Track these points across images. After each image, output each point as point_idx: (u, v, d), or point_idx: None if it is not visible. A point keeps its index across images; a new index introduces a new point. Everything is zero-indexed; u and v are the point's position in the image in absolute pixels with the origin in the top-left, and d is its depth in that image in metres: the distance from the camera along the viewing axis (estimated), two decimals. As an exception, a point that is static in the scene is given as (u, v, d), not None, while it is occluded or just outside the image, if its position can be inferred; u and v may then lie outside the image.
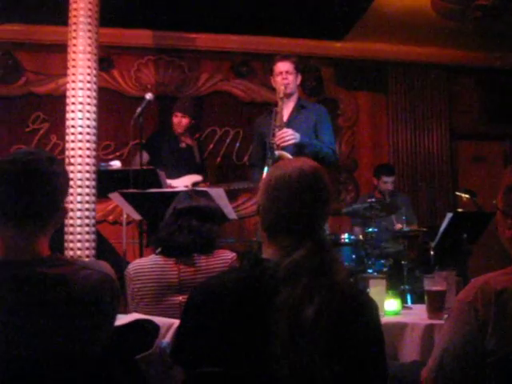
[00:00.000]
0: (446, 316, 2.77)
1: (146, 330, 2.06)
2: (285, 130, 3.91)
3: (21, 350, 1.46)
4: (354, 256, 4.39)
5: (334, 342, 1.41)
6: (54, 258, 1.64)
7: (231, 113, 6.60)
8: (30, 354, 1.47)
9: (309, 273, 1.45)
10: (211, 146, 6.40)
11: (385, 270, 4.51)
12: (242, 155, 6.51)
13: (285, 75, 4.16)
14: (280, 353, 1.39)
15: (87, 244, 4.03)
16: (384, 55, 6.85)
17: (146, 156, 4.73)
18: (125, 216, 4.81)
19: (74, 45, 4.15)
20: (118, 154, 6.21)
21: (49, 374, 1.48)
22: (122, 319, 1.81)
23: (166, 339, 2.22)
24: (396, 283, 4.00)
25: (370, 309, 1.54)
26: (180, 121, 5.32)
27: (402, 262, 4.38)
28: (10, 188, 1.56)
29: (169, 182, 4.57)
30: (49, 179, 1.59)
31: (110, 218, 6.14)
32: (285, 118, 4.07)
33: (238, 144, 6.51)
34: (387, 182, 5.74)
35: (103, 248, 4.43)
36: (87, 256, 3.97)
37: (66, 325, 1.51)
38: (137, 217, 3.97)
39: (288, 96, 4.17)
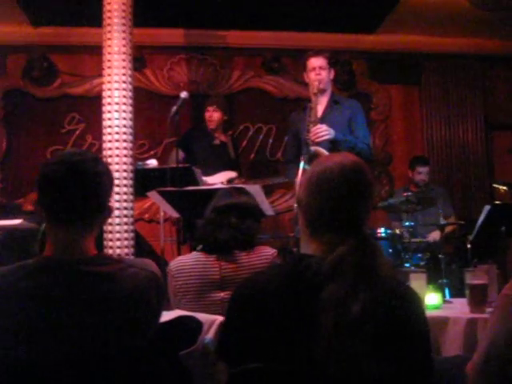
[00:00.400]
0: (488, 310, 2.75)
1: (189, 327, 2.09)
2: (319, 125, 3.91)
3: (70, 347, 1.50)
4: (390, 250, 4.38)
5: (380, 338, 1.41)
6: (101, 256, 1.68)
7: (264, 109, 6.61)
8: (79, 350, 1.50)
9: (353, 268, 1.45)
10: (244, 142, 6.41)
11: (422, 263, 4.49)
12: (276, 151, 6.52)
13: (318, 71, 4.15)
14: (326, 349, 1.39)
15: (126, 242, 4.08)
16: (417, 47, 6.76)
17: (181, 154, 4.76)
18: (162, 214, 4.86)
19: (109, 46, 4.20)
20: (152, 152, 6.27)
21: (97, 369, 1.51)
22: (165, 316, 1.84)
23: (209, 335, 2.24)
24: (433, 277, 3.97)
25: (416, 303, 1.53)
26: (211, 115, 5.33)
27: (440, 256, 4.35)
28: (58, 189, 1.60)
29: (204, 179, 4.60)
30: (95, 179, 1.63)
31: (146, 216, 6.21)
32: (319, 114, 4.06)
33: (271, 140, 6.52)
34: (422, 173, 5.71)
35: (141, 246, 4.48)
36: (126, 254, 4.02)
37: (114, 322, 1.54)
38: (175, 214, 4.01)
39: (322, 92, 4.16)
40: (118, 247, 4.04)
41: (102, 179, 1.64)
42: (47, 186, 1.62)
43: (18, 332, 1.50)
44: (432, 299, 2.95)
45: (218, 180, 4.96)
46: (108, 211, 1.70)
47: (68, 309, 1.52)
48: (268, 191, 5.64)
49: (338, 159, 1.63)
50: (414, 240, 4.47)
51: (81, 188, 1.61)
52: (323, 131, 3.88)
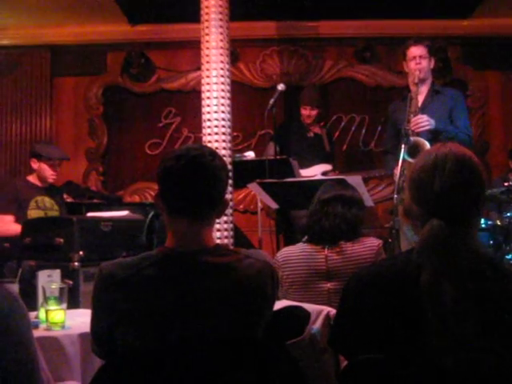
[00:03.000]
0: None
1: (297, 317, 2.12)
2: (420, 115, 3.85)
3: (192, 334, 1.57)
4: (491, 242, 4.27)
5: (486, 324, 1.39)
6: (220, 247, 1.75)
7: (356, 99, 6.56)
8: (200, 337, 1.57)
9: (435, 255, 1.44)
10: (337, 133, 6.37)
11: (523, 255, 4.35)
12: (369, 141, 6.45)
13: (418, 60, 4.07)
14: (435, 340, 1.39)
15: (226, 233, 4.18)
16: (514, 31, 6.53)
17: (276, 148, 4.81)
18: (259, 205, 4.92)
19: (207, 41, 4.30)
20: (246, 144, 6.36)
21: (216, 357, 1.56)
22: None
23: (316, 326, 2.27)
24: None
25: None
26: (309, 113, 5.36)
27: (543, 247, 4.20)
28: (178, 183, 1.66)
29: (299, 171, 4.63)
30: (213, 173, 1.68)
31: (241, 207, 6.31)
32: (419, 104, 3.99)
33: (364, 130, 6.46)
34: None
35: (237, 237, 4.56)
36: (226, 245, 4.10)
37: (233, 310, 1.60)
38: (274, 206, 4.06)
39: (422, 81, 4.08)
40: (218, 238, 4.14)
41: (219, 173, 1.69)
42: (167, 180, 1.69)
43: (143, 318, 1.58)
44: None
45: (312, 173, 4.98)
46: (225, 203, 1.76)
47: (190, 298, 1.58)
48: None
49: (446, 149, 1.60)
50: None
51: (199, 181, 1.67)
52: (424, 121, 3.82)
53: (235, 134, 6.21)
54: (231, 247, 3.86)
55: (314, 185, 2.92)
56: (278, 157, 4.33)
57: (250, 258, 1.69)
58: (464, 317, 1.38)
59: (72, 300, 2.65)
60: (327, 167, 5.09)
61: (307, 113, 5.37)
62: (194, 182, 1.66)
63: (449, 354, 1.38)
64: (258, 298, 1.65)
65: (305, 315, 2.13)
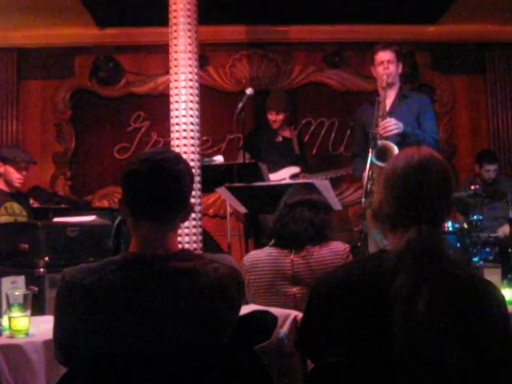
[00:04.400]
0: None
1: (264, 321, 2.11)
2: (388, 119, 3.88)
3: (153, 340, 1.55)
4: (458, 245, 4.31)
5: (455, 332, 1.40)
6: (184, 252, 1.73)
7: (325, 103, 6.60)
8: (161, 343, 1.55)
9: (414, 261, 1.44)
10: (307, 137, 6.38)
11: (490, 258, 4.40)
12: (338, 145, 6.50)
13: (386, 65, 4.10)
14: (400, 343, 1.39)
15: (194, 238, 4.16)
16: (480, 36, 6.62)
17: (246, 156, 4.80)
18: (228, 209, 4.92)
19: (175, 45, 4.27)
20: (215, 148, 6.36)
21: (178, 362, 1.55)
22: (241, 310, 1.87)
23: (284, 330, 2.27)
24: (503, 272, 3.89)
25: (495, 296, 1.51)
26: (275, 118, 5.37)
27: (509, 250, 4.25)
28: (142, 187, 1.65)
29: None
30: (177, 177, 1.66)
31: (211, 211, 6.29)
32: (387, 108, 4.02)
33: (333, 134, 6.50)
34: (490, 170, 5.57)
35: (206, 242, 4.54)
36: (194, 250, 4.09)
37: (197, 316, 1.58)
38: (242, 210, 4.06)
39: (390, 85, 4.11)
40: (187, 243, 4.11)
41: (183, 177, 1.68)
42: (131, 184, 1.67)
43: (106, 324, 1.55)
44: (506, 294, 2.89)
45: (281, 176, 4.99)
46: (189, 208, 1.74)
47: (152, 303, 1.56)
48: (332, 185, 5.64)
49: (418, 153, 1.61)
50: (482, 234, 4.39)
51: (163, 185, 1.65)
52: (392, 125, 3.85)
53: (205, 138, 6.21)
54: (198, 252, 3.84)
55: (282, 189, 2.92)
56: (246, 161, 4.32)
57: (215, 262, 1.68)
58: (436, 321, 1.39)
59: (37, 307, 2.61)
60: (295, 170, 5.10)
61: (273, 118, 5.37)
62: (158, 185, 1.64)
63: (415, 356, 1.38)
64: (223, 303, 1.64)
65: (272, 319, 2.12)
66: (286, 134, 5.50)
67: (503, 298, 1.53)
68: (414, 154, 1.59)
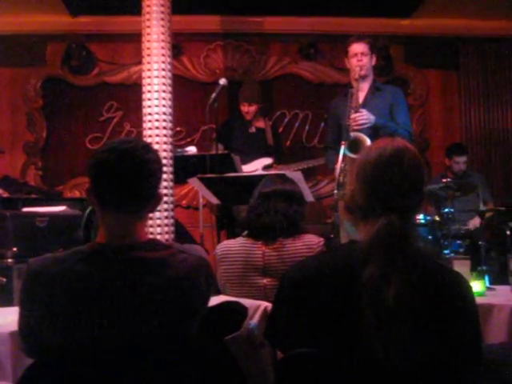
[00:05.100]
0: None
1: (234, 312, 2.11)
2: (360, 112, 3.89)
3: (121, 331, 1.53)
4: (430, 237, 4.34)
5: (423, 322, 1.41)
6: (152, 242, 1.71)
7: (300, 95, 6.59)
8: (129, 334, 1.53)
9: (382, 252, 1.45)
10: (281, 129, 6.37)
11: (461, 250, 4.44)
12: (312, 137, 6.50)
13: (360, 57, 4.11)
14: (369, 334, 1.39)
15: (166, 228, 4.14)
16: (454, 31, 6.67)
17: (220, 147, 4.79)
18: (201, 200, 4.90)
19: (148, 34, 4.23)
20: (189, 139, 6.31)
21: (146, 353, 1.54)
22: (211, 301, 1.86)
23: (254, 320, 2.27)
24: (473, 264, 3.94)
25: (462, 286, 1.52)
26: (248, 110, 5.34)
27: (480, 243, 4.29)
28: (109, 176, 1.63)
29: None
30: (145, 167, 1.65)
31: (184, 202, 6.26)
32: (360, 100, 4.04)
33: (307, 126, 6.50)
34: (459, 163, 5.64)
35: (179, 233, 4.52)
36: (166, 241, 4.07)
37: (165, 306, 1.57)
38: (215, 201, 4.04)
39: (363, 78, 4.12)
40: (159, 233, 4.09)
41: (152, 166, 1.66)
42: (99, 173, 1.65)
43: (72, 315, 1.53)
44: (475, 286, 2.92)
45: (253, 167, 4.98)
46: (158, 198, 1.73)
47: (120, 293, 1.55)
48: (305, 178, 5.65)
49: (391, 144, 1.61)
50: (453, 227, 4.42)
51: (131, 175, 1.63)
52: (364, 117, 3.86)
53: (178, 128, 6.18)
54: (167, 242, 3.82)
55: (254, 180, 2.91)
56: (219, 152, 4.30)
57: (184, 253, 1.67)
58: (403, 310, 1.39)
59: (5, 297, 2.57)
60: (267, 161, 5.08)
61: (246, 109, 5.35)
62: (126, 175, 1.62)
63: (382, 347, 1.39)
64: (191, 293, 1.62)
65: (242, 310, 2.12)
66: (260, 124, 5.48)
67: (471, 289, 1.55)
68: (387, 145, 1.59)
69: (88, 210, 3.52)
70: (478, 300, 2.77)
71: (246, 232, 2.65)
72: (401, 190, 1.53)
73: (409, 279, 1.41)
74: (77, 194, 6.13)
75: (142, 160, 1.64)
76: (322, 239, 2.62)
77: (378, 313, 1.40)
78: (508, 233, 4.62)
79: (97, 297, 1.54)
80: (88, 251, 1.61)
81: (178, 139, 6.21)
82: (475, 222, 5.08)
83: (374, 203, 1.53)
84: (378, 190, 1.54)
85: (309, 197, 3.68)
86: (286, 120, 6.50)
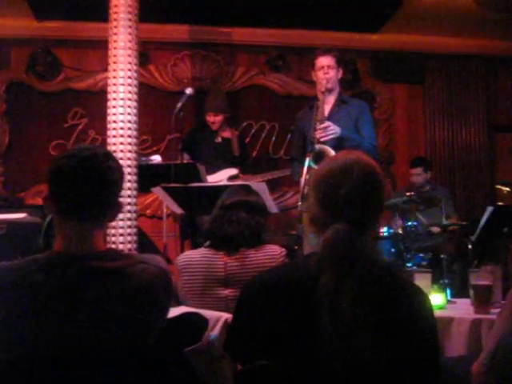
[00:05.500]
0: (492, 310, 2.75)
1: (194, 324, 2.08)
2: (326, 124, 3.90)
3: (77, 341, 1.49)
4: (392, 250, 4.37)
5: (380, 332, 1.41)
6: (110, 251, 1.68)
7: (267, 107, 6.62)
8: (86, 345, 1.50)
9: (333, 263, 1.45)
10: (247, 139, 6.36)
11: (424, 263, 4.48)
12: (278, 149, 6.53)
13: (326, 70, 4.12)
14: (327, 344, 1.39)
15: (129, 238, 4.09)
16: (421, 47, 6.77)
17: (186, 157, 4.76)
18: (165, 210, 4.86)
19: (115, 41, 4.20)
20: (155, 148, 6.28)
21: (103, 365, 1.51)
22: (171, 312, 1.84)
23: (215, 332, 2.24)
24: (435, 277, 3.97)
25: (417, 295, 1.53)
26: (214, 120, 5.33)
27: (442, 256, 4.34)
28: (68, 183, 1.59)
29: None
30: (105, 174, 1.62)
31: (148, 211, 6.21)
32: (326, 113, 4.05)
33: (274, 138, 6.53)
34: (413, 175, 5.75)
35: (142, 242, 4.48)
36: (129, 250, 4.02)
37: (123, 317, 1.54)
38: (178, 211, 4.01)
39: (329, 91, 4.14)
40: (121, 242, 4.04)
41: (112, 174, 1.64)
42: (58, 180, 1.61)
43: (28, 324, 1.49)
44: (436, 299, 2.95)
45: (218, 178, 4.96)
46: (118, 207, 1.70)
47: (77, 303, 1.51)
48: (270, 189, 5.66)
49: (344, 156, 1.62)
50: (416, 240, 4.46)
51: (91, 182, 1.60)
52: (330, 129, 3.87)
53: (144, 137, 6.14)
54: (127, 252, 3.78)
55: (219, 190, 2.89)
56: (184, 161, 4.28)
57: (143, 263, 1.64)
58: (359, 321, 1.39)
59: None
60: (232, 171, 5.08)
61: (211, 119, 5.33)
62: (85, 182, 1.59)
63: (340, 357, 1.38)
64: (149, 304, 1.59)
65: (202, 322, 2.10)
66: (227, 134, 5.46)
67: (429, 302, 1.55)
68: (340, 157, 1.62)
69: (49, 218, 3.46)
70: (439, 313, 2.83)
71: (207, 242, 2.63)
72: (351, 201, 1.53)
73: (363, 291, 1.41)
74: (39, 201, 6.01)
75: (102, 167, 1.61)
76: (284, 250, 2.61)
77: (336, 324, 1.39)
78: (470, 246, 4.68)
79: (52, 307, 1.50)
80: (44, 260, 1.58)
81: (144, 148, 6.17)
82: (436, 229, 5.14)
83: (325, 214, 1.54)
84: (328, 201, 1.54)
85: (272, 208, 3.68)
86: (252, 131, 6.51)
